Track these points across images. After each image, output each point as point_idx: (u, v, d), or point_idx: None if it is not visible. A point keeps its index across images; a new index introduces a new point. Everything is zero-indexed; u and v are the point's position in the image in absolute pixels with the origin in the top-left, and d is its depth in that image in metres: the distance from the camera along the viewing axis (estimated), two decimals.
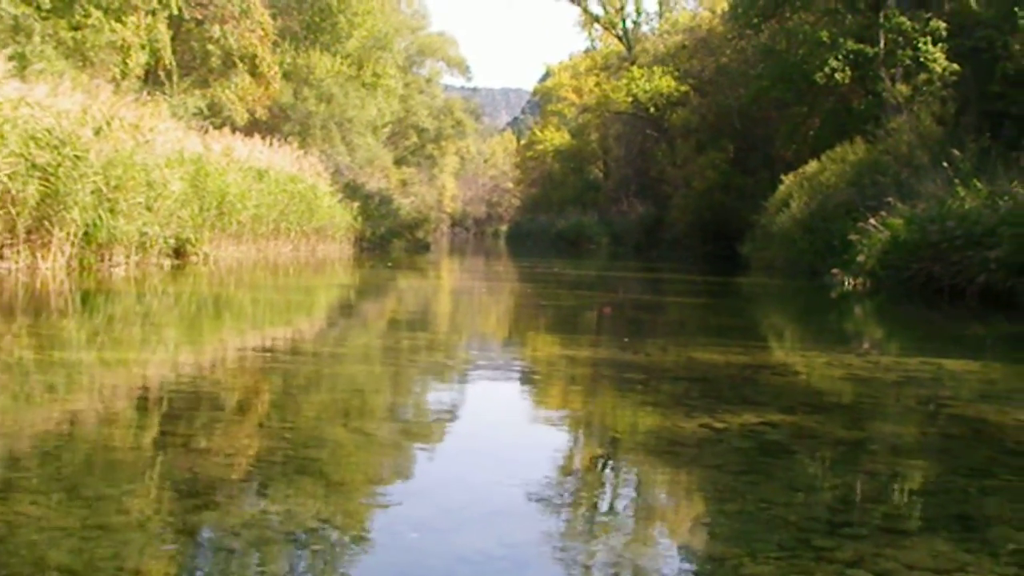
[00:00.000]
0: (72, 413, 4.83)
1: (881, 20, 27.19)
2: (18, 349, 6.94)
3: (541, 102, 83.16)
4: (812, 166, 25.87)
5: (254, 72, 27.37)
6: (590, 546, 3.22)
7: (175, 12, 24.04)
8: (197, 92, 25.63)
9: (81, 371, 6.19)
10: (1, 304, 9.86)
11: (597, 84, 55.79)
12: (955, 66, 25.41)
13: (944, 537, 3.27)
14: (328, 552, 2.98)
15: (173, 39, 24.65)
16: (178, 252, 17.14)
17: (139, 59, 22.51)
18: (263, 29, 27.13)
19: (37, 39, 18.63)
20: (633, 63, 48.76)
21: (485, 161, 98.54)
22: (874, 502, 3.76)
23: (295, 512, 3.31)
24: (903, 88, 25.86)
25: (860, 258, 17.89)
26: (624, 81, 45.71)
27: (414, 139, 58.81)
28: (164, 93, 23.14)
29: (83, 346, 7.41)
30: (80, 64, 20.18)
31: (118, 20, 21.75)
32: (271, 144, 24.59)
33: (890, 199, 18.69)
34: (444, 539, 3.17)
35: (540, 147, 73.25)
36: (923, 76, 25.82)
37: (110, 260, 14.66)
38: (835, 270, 18.53)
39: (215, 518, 3.21)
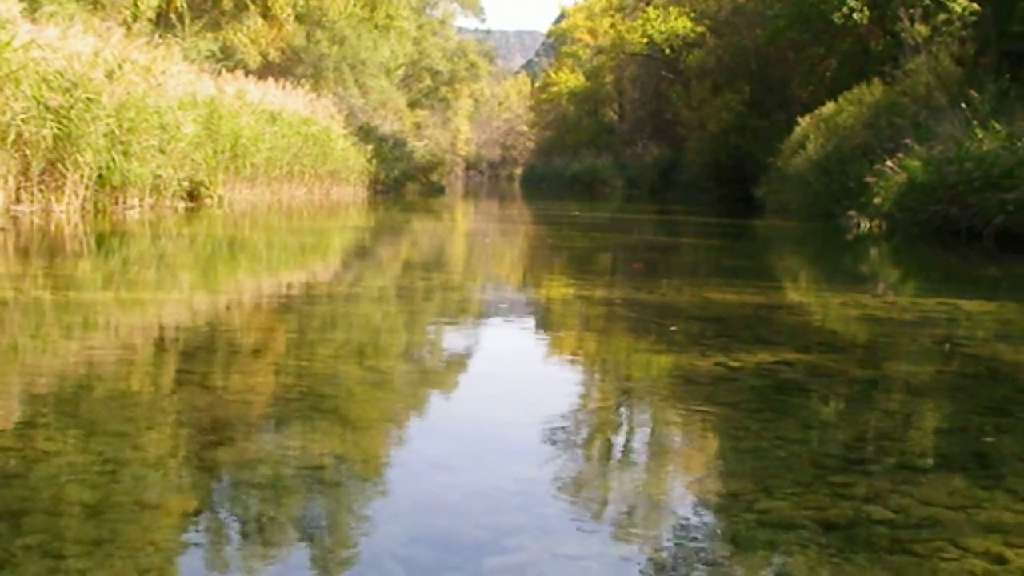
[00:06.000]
0: (88, 352, 4.85)
1: None
2: (34, 290, 6.96)
3: (556, 44, 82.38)
4: (829, 108, 25.60)
5: (266, 14, 27.20)
6: (605, 483, 3.23)
7: None
8: (209, 35, 25.49)
9: (97, 311, 6.21)
10: (17, 246, 9.88)
11: (612, 25, 55.15)
12: (975, 6, 25.01)
13: (960, 474, 3.26)
14: (344, 488, 2.99)
15: None
16: (192, 195, 17.16)
17: (150, 1, 22.36)
18: None
19: None
20: (649, 4, 48.27)
21: (499, 104, 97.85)
22: (890, 440, 3.75)
23: (311, 449, 3.32)
24: (922, 28, 25.49)
25: (876, 200, 17.77)
26: (640, 22, 45.31)
27: (428, 82, 58.40)
28: (176, 36, 23.01)
29: (99, 287, 7.43)
30: (91, 7, 20.05)
31: None
32: (284, 87, 24.50)
33: (907, 141, 18.51)
34: (460, 475, 3.18)
35: (555, 90, 72.67)
36: (942, 16, 25.46)
37: (124, 203, 14.68)
38: (851, 212, 18.40)
39: (231, 455, 3.23)
